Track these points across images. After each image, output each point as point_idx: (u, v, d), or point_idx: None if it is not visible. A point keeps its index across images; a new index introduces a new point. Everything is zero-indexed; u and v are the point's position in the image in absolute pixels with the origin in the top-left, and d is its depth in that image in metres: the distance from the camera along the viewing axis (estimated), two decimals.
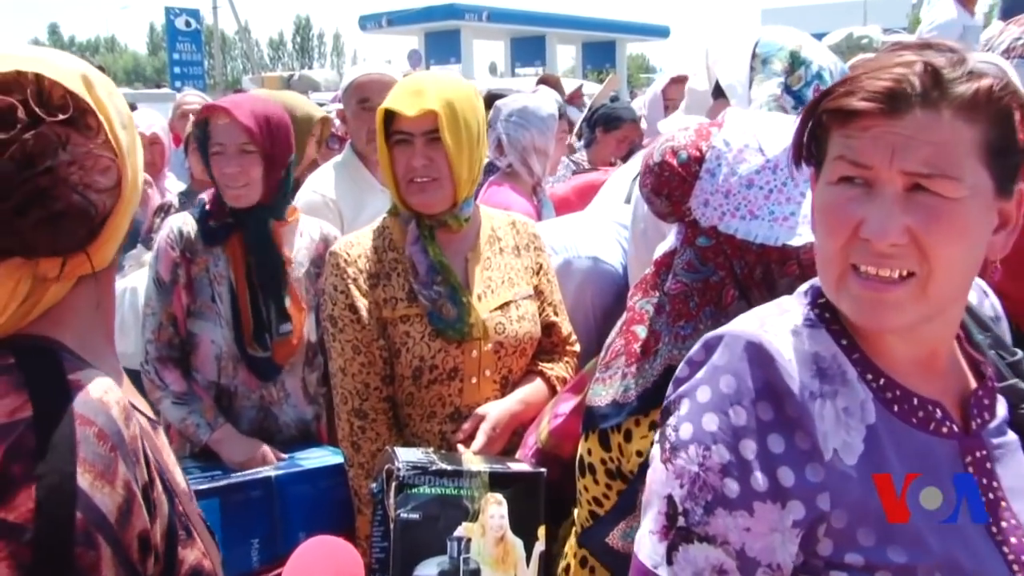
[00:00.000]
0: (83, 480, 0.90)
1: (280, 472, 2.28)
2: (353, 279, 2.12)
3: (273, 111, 2.43)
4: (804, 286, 1.13)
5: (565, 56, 39.72)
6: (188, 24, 30.51)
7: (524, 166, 3.31)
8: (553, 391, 2.17)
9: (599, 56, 34.40)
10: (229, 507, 2.16)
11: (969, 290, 1.05)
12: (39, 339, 1.01)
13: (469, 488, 1.79)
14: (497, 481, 1.82)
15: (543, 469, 1.89)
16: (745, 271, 1.50)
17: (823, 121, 1.03)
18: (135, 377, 3.30)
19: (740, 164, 1.48)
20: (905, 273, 0.97)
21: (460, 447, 2.05)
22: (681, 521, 1.01)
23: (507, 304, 2.17)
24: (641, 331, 1.62)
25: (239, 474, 2.27)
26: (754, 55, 2.13)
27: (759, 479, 0.98)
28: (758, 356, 1.01)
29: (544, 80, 7.38)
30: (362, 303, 2.11)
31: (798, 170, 1.10)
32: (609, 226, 2.44)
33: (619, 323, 1.74)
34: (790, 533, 0.97)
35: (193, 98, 5.32)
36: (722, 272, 1.51)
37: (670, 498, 1.03)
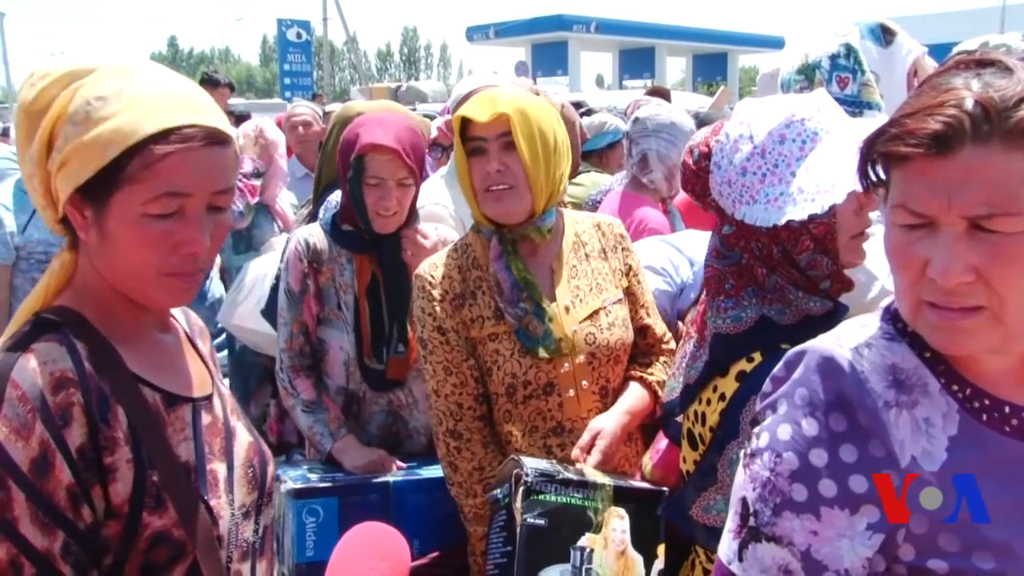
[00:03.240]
0: (0, 433, 1.10)
1: (399, 479, 2.35)
2: (439, 301, 2.15)
3: (417, 138, 2.50)
4: (884, 301, 1.17)
5: (675, 68, 39.51)
6: (299, 35, 31.50)
7: (667, 182, 3.38)
8: (655, 395, 2.16)
9: (710, 68, 34.10)
10: (347, 508, 2.23)
11: None
12: (60, 310, 1.23)
13: (593, 500, 1.82)
14: (621, 495, 1.85)
15: (664, 488, 1.91)
16: (764, 252, 1.60)
17: (880, 158, 1.04)
18: None
19: (735, 154, 1.59)
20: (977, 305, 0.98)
21: (577, 462, 2.06)
22: (752, 521, 1.08)
23: (596, 312, 2.15)
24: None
25: (359, 477, 2.36)
26: (781, 89, 2.19)
27: (828, 486, 1.02)
28: (831, 369, 1.06)
29: (654, 91, 7.35)
30: (449, 324, 2.13)
31: (870, 199, 1.12)
32: (660, 248, 2.50)
33: (685, 323, 1.82)
34: (862, 537, 1.01)
35: (303, 110, 5.48)
36: (747, 255, 1.62)
37: (744, 500, 1.10)
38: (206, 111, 1.22)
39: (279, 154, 4.26)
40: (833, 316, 1.56)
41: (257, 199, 4.14)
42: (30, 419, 1.11)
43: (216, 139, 1.21)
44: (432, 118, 5.49)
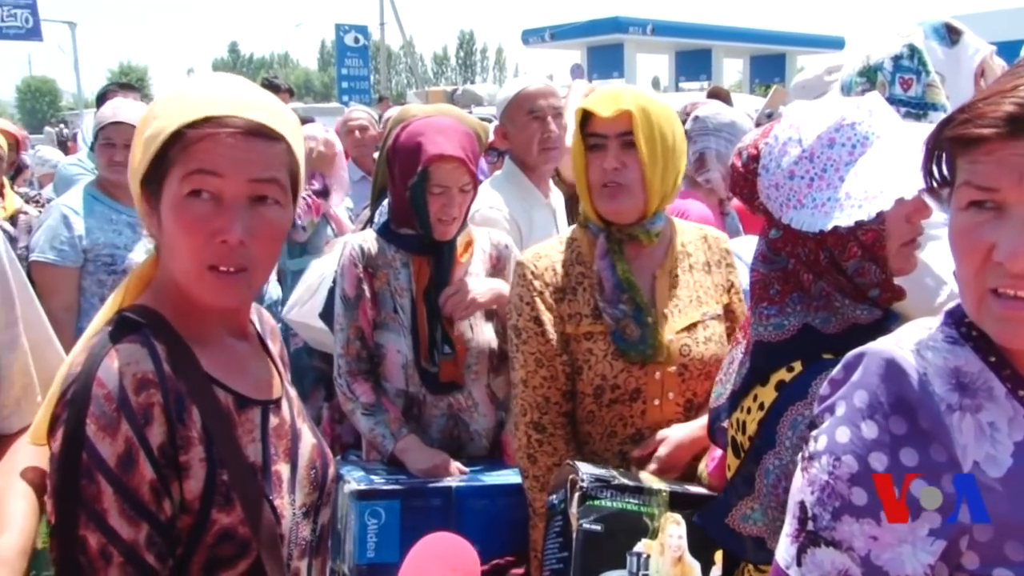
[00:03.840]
0: (89, 429, 1.16)
1: (461, 484, 2.35)
2: (539, 292, 2.15)
3: (474, 143, 2.53)
4: (950, 305, 1.14)
5: (732, 70, 39.13)
6: (356, 40, 31.81)
7: (726, 180, 3.32)
8: None
9: (768, 69, 33.66)
10: (409, 511, 2.25)
11: None
12: (142, 309, 1.28)
13: (649, 506, 1.81)
14: (677, 501, 1.83)
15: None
16: (810, 257, 1.57)
17: (947, 148, 1.03)
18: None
19: (783, 157, 1.57)
20: None
21: (636, 468, 2.05)
22: (810, 525, 1.07)
23: (694, 325, 2.14)
24: None
25: (421, 481, 2.36)
26: (842, 92, 2.15)
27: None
28: (891, 371, 1.04)
29: (714, 93, 7.31)
30: (547, 317, 2.13)
31: (935, 201, 1.11)
32: None
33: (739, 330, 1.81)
34: (924, 543, 0.99)
35: (359, 114, 5.54)
36: (792, 260, 1.60)
37: (802, 504, 1.08)
38: (255, 107, 1.26)
39: (340, 163, 4.29)
40: (881, 325, 1.53)
41: (321, 216, 4.17)
42: (116, 417, 1.16)
43: (257, 131, 1.24)
44: (490, 121, 5.51)
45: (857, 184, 1.49)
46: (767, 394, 1.57)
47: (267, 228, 1.27)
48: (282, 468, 1.36)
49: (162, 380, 1.21)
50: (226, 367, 1.33)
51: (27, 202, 5.23)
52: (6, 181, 4.84)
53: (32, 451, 1.37)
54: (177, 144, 1.22)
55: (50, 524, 1.18)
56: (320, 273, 3.45)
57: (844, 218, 1.48)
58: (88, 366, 1.20)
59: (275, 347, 1.53)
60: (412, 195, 2.49)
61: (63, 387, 1.21)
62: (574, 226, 2.26)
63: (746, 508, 1.61)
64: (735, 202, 3.57)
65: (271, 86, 6.90)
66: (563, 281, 2.16)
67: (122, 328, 1.25)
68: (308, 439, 1.45)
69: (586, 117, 2.11)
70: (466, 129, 2.59)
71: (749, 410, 1.61)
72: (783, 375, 1.56)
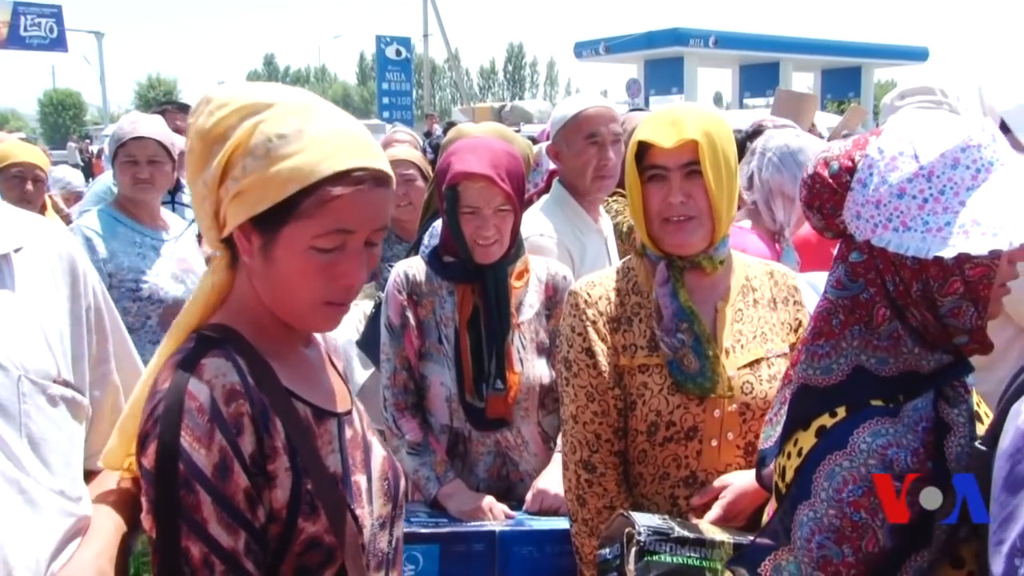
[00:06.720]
0: (184, 441, 1.29)
1: (506, 528, 2.33)
2: (592, 322, 2.14)
3: (515, 165, 2.54)
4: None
5: (801, 84, 38.89)
6: (398, 53, 32.25)
7: (767, 208, 3.26)
8: None
9: (841, 84, 33.48)
10: (449, 556, 2.24)
11: None
12: (219, 327, 1.42)
13: (711, 559, 1.79)
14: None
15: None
16: (900, 288, 1.52)
17: None
18: None
19: (891, 172, 1.49)
20: None
21: (694, 517, 2.03)
22: None
23: (757, 361, 2.11)
24: None
25: (464, 524, 2.36)
26: None
27: None
28: None
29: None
30: (600, 348, 2.13)
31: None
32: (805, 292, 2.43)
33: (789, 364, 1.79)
34: None
35: (404, 136, 5.64)
36: (873, 289, 1.54)
37: None
38: (373, 153, 1.40)
39: None
40: (945, 373, 1.49)
41: None
42: (209, 428, 1.30)
43: (381, 181, 1.39)
44: (535, 140, 5.51)
45: (986, 211, 1.41)
46: (807, 440, 1.55)
47: (373, 263, 1.44)
48: (360, 478, 1.49)
49: (248, 391, 1.34)
50: (301, 380, 1.46)
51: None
52: (48, 202, 4.98)
53: (115, 478, 1.52)
54: (312, 196, 1.33)
55: (150, 539, 1.30)
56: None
57: (974, 245, 1.39)
58: (177, 381, 1.33)
59: (339, 364, 1.66)
60: (448, 218, 2.53)
61: (151, 404, 1.34)
62: (630, 256, 2.25)
63: (780, 559, 1.57)
64: (797, 237, 3.50)
65: None
66: (618, 311, 2.15)
67: (204, 344, 1.39)
68: (379, 451, 1.59)
69: (642, 147, 2.08)
70: (507, 148, 2.60)
71: (790, 455, 1.59)
72: (825, 420, 1.53)
